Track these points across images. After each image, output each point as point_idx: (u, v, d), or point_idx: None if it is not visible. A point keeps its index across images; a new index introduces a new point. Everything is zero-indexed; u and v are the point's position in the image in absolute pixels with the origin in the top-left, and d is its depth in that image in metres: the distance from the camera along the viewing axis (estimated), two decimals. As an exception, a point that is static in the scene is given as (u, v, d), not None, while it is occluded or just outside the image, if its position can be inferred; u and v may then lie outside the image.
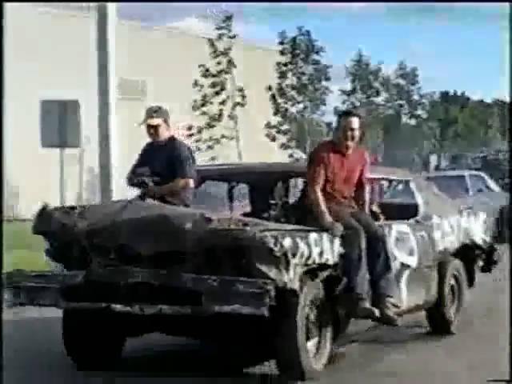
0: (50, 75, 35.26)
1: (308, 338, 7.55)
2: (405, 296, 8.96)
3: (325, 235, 7.75)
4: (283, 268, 6.96)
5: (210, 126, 40.17)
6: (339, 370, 8.48)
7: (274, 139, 43.33)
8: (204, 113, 40.30)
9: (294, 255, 7.09)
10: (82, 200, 20.15)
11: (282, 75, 44.83)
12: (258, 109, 40.60)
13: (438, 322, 10.49)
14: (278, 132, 44.08)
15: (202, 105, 40.39)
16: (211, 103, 40.39)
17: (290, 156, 43.23)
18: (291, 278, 7.01)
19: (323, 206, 8.32)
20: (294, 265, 7.08)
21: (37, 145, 13.97)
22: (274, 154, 37.20)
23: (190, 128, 39.00)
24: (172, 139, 9.08)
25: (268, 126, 43.18)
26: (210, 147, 38.82)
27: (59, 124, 14.08)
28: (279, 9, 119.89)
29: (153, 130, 8.98)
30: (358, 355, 9.44)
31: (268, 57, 45.01)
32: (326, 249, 7.66)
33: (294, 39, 44.94)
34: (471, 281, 10.73)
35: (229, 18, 39.92)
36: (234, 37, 40.16)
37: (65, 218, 7.64)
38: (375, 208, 9.47)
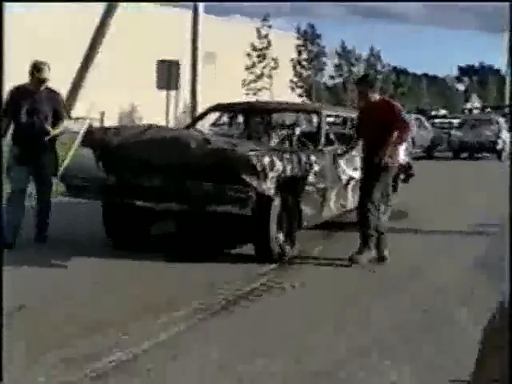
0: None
1: (280, 229, 6.30)
2: (350, 198, 7.64)
3: (295, 155, 6.49)
4: (262, 179, 5.82)
5: (255, 81, 42.39)
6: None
7: (293, 90, 44.43)
8: (252, 73, 42.54)
9: (271, 169, 5.93)
10: (179, 121, 20.39)
11: (300, 53, 47.01)
12: (285, 73, 42.39)
13: None
14: (297, 87, 45.15)
15: (252, 66, 42.29)
16: (256, 67, 42.54)
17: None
18: (269, 186, 5.87)
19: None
20: (271, 177, 5.90)
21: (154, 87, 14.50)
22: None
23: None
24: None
25: (291, 81, 44.10)
26: (254, 94, 40.11)
27: (167, 75, 14.50)
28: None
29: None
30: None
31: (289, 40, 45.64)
32: (296, 165, 6.38)
33: (305, 31, 46.50)
34: (395, 188, 8.74)
35: (267, 16, 42.74)
36: (270, 26, 42.83)
37: (103, 136, 6.48)
38: (332, 136, 7.87)
